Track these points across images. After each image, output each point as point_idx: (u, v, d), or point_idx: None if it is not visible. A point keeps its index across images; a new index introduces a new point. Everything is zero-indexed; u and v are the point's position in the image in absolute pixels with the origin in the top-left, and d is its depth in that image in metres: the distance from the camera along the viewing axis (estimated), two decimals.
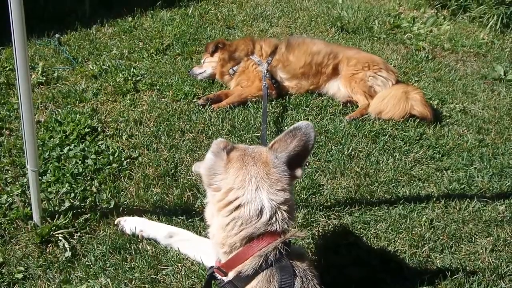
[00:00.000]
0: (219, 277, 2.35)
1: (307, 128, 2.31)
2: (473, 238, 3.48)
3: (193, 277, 2.95)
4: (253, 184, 2.21)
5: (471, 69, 6.34)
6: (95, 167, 3.82)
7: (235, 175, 2.23)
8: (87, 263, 3.04)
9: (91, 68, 5.28)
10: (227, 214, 2.20)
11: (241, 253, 2.19)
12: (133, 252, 3.10)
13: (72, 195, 3.53)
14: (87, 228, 3.28)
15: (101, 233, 3.26)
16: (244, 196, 2.19)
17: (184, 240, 3.14)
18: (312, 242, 3.29)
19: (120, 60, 5.55)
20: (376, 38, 6.88)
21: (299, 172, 2.37)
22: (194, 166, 2.41)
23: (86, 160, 3.88)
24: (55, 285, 2.89)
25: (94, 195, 3.57)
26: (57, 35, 5.86)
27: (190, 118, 4.55)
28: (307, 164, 4.04)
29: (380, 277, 3.09)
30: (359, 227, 3.48)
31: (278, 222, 2.20)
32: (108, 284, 2.89)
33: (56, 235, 3.18)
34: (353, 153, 4.28)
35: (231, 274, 2.22)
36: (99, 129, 4.30)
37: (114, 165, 3.86)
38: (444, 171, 4.18)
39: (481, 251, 3.36)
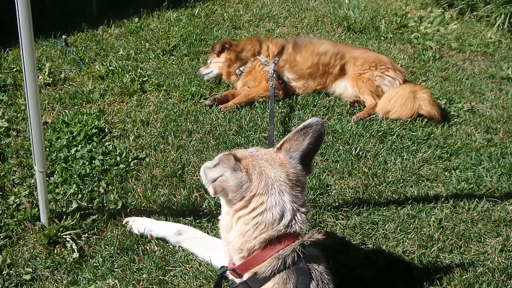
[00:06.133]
0: (231, 277, 2.34)
1: (317, 125, 2.32)
2: (482, 238, 3.46)
3: (201, 278, 2.94)
4: (275, 187, 2.22)
5: (479, 68, 6.31)
6: (102, 168, 3.82)
7: (257, 181, 2.22)
8: (94, 264, 3.04)
9: (98, 69, 5.29)
10: (249, 220, 2.19)
11: (258, 255, 2.19)
12: (141, 253, 3.10)
13: (80, 196, 3.53)
14: (95, 229, 3.28)
15: (108, 234, 3.26)
16: (268, 200, 2.19)
17: (193, 238, 3.13)
18: (320, 242, 3.28)
19: (126, 61, 5.55)
20: (383, 38, 6.85)
21: (312, 168, 2.41)
22: (211, 192, 2.31)
23: (93, 161, 3.88)
24: (63, 286, 2.89)
25: (102, 196, 3.56)
26: (64, 36, 5.88)
27: (197, 119, 4.55)
28: (315, 164, 4.03)
29: (389, 278, 3.08)
30: (367, 227, 3.46)
31: (298, 224, 2.22)
32: (116, 285, 2.89)
33: (64, 236, 3.18)
34: (360, 153, 4.26)
35: (246, 275, 2.21)
36: (106, 130, 4.30)
37: (121, 166, 3.85)
38: (453, 171, 4.16)
39: (491, 251, 3.33)
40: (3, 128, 4.19)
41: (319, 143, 2.36)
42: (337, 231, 3.42)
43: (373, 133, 4.53)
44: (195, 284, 2.92)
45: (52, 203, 3.41)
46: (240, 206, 2.23)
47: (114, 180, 3.73)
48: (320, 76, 5.21)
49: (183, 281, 2.94)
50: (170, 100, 4.87)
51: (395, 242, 3.35)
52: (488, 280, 3.09)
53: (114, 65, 5.35)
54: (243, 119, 4.59)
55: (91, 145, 4.05)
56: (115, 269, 3.00)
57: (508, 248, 3.38)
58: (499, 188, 4.00)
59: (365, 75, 5.09)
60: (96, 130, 4.23)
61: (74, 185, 3.60)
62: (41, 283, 2.91)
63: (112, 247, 3.13)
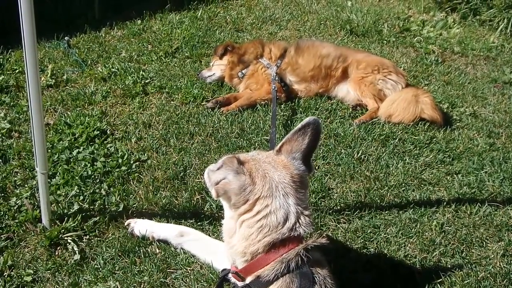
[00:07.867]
0: (233, 280, 2.33)
1: (315, 123, 2.34)
2: (484, 243, 3.45)
3: (202, 281, 2.94)
4: (280, 190, 2.22)
5: (481, 72, 6.30)
6: (104, 169, 3.82)
7: (261, 183, 2.21)
8: (96, 266, 3.03)
9: (100, 70, 5.29)
10: (254, 224, 2.19)
11: (262, 258, 2.19)
12: (142, 255, 3.09)
13: (81, 197, 3.53)
14: (96, 231, 3.28)
15: (110, 236, 3.25)
16: (273, 203, 2.19)
17: (194, 240, 3.12)
18: (323, 246, 3.27)
19: (129, 63, 5.55)
20: (385, 41, 6.85)
21: (312, 167, 2.43)
22: (214, 195, 2.32)
23: (95, 163, 3.87)
24: None
25: (103, 198, 3.56)
26: (66, 38, 5.89)
27: (199, 121, 4.55)
28: (317, 167, 4.02)
29: (391, 282, 3.07)
30: (369, 231, 3.45)
31: (302, 227, 2.22)
32: (117, 287, 2.89)
33: (65, 238, 3.17)
34: (362, 156, 4.25)
35: (249, 279, 2.21)
36: (108, 131, 4.30)
37: (123, 168, 3.85)
38: (455, 175, 4.15)
39: (493, 256, 3.32)
40: (5, 129, 4.18)
41: (317, 141, 2.39)
42: (339, 235, 3.41)
43: (375, 137, 4.52)
44: (196, 286, 2.91)
45: (54, 204, 3.41)
46: (244, 210, 2.22)
47: (116, 182, 3.73)
48: (322, 79, 5.20)
49: (184, 283, 2.94)
50: (172, 102, 4.87)
51: (396, 246, 3.34)
52: (490, 285, 3.08)
53: (116, 67, 5.35)
54: (245, 121, 4.58)
55: (93, 147, 4.04)
56: (116, 271, 3.00)
57: (510, 253, 3.37)
58: (501, 192, 3.99)
59: (368, 78, 5.09)
60: (98, 132, 4.23)
61: (76, 187, 3.60)
62: (42, 285, 2.90)
63: (114, 249, 3.12)
